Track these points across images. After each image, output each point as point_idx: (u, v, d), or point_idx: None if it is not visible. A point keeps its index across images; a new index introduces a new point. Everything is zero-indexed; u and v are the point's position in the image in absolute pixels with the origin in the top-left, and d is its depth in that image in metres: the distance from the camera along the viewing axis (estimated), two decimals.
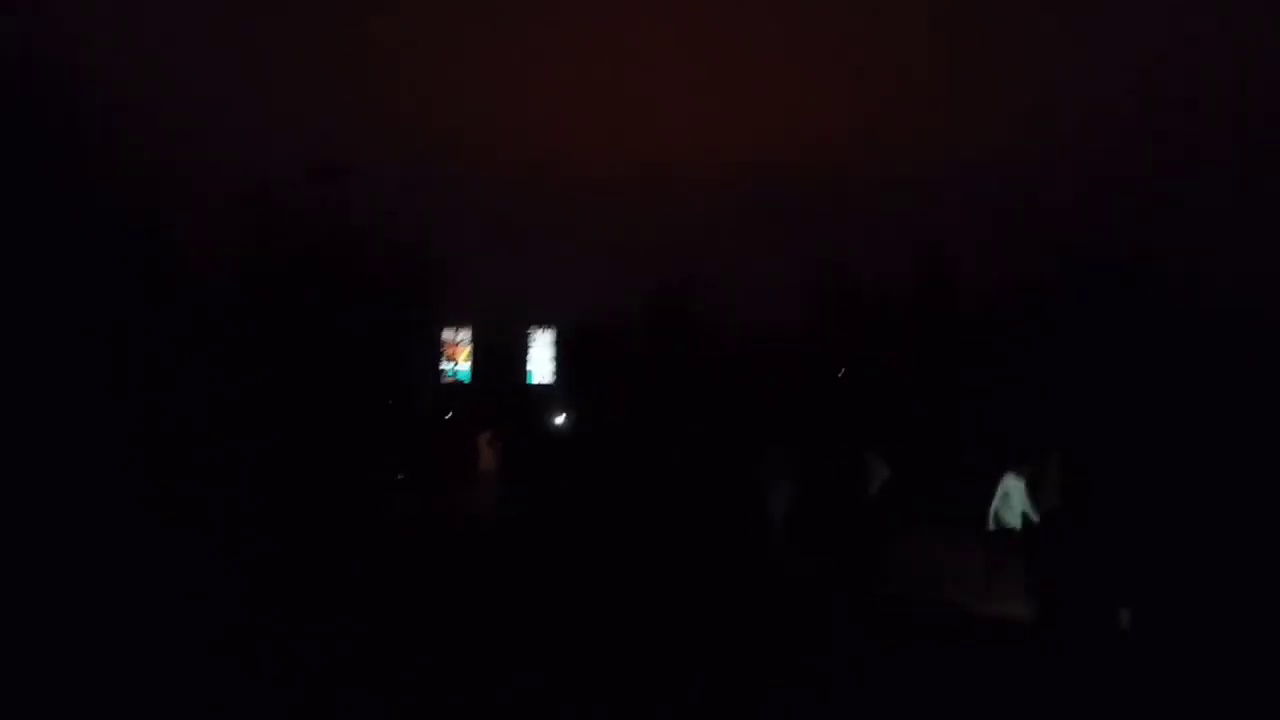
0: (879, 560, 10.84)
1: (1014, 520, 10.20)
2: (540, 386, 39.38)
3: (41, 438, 13.53)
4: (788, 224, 35.43)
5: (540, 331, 40.16)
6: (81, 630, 7.39)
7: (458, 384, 38.54)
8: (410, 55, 45.43)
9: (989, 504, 10.45)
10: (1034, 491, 10.13)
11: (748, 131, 42.42)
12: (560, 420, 30.64)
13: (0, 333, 15.12)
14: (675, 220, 38.25)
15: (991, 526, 10.42)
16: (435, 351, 37.81)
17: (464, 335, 39.42)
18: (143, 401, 16.61)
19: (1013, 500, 10.24)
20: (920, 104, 41.85)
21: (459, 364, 39.47)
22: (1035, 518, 9.96)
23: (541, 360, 40.30)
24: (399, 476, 20.28)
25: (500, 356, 38.62)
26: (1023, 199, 28.70)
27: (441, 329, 37.78)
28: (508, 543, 13.37)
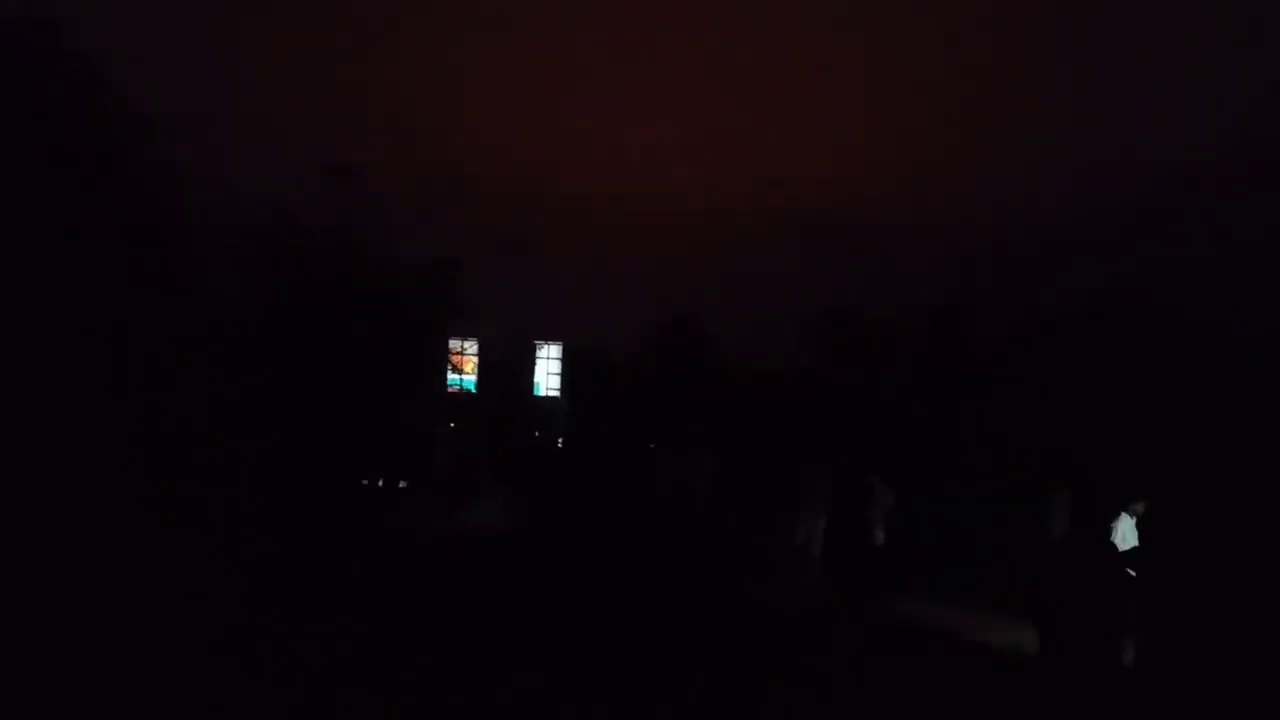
0: (886, 586, 10.80)
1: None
2: (546, 399, 39.44)
3: (42, 440, 13.51)
4: (800, 261, 35.74)
5: (547, 345, 40.23)
6: (82, 630, 7.36)
7: (463, 394, 38.48)
8: (431, 79, 45.80)
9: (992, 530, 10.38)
10: (1047, 520, 10.07)
11: (764, 171, 42.81)
12: (564, 434, 30.61)
13: (3, 333, 15.13)
14: (686, 253, 38.57)
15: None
16: (442, 361, 37.74)
17: (471, 346, 39.40)
18: (144, 403, 16.60)
19: (1128, 540, 9.88)
20: (936, 145, 42.05)
21: (465, 374, 39.43)
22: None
23: (547, 373, 40.36)
24: (401, 484, 20.31)
25: (506, 368, 38.62)
26: (1037, 238, 28.79)
27: (448, 339, 37.72)
28: (508, 552, 13.33)
